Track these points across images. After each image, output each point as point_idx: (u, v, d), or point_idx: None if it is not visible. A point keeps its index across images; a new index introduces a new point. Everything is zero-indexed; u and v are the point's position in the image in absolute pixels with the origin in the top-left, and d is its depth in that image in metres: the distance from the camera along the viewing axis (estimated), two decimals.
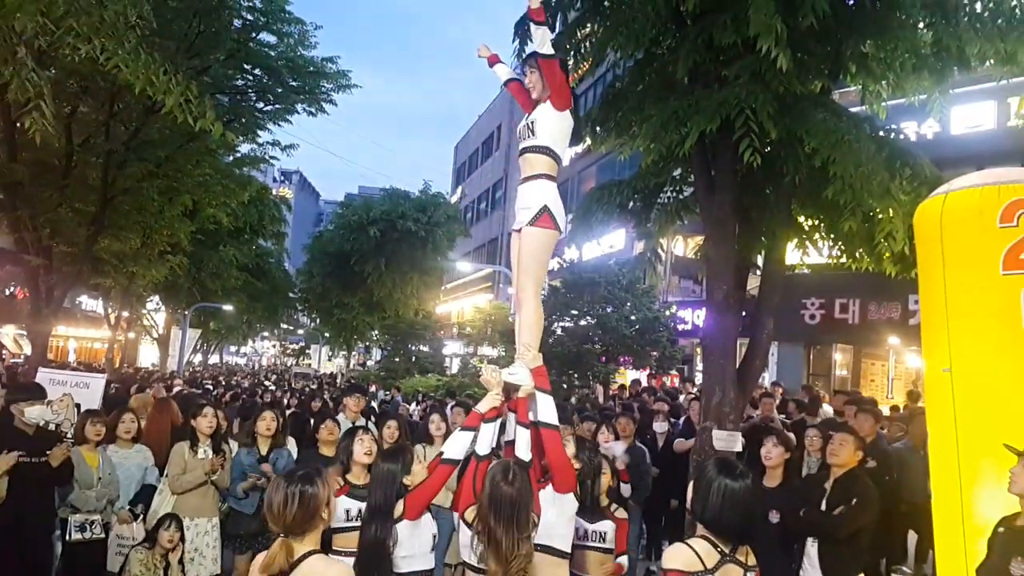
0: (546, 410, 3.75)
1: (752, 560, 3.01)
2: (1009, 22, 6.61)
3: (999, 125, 13.13)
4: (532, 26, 4.19)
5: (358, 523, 4.35)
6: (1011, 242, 4.29)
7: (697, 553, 2.90)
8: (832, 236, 8.03)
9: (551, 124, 4.11)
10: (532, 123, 4.16)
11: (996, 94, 12.75)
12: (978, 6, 6.48)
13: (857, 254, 7.98)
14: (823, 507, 5.05)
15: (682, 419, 9.61)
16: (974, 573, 4.04)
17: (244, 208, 24.49)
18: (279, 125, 16.56)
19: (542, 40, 4.11)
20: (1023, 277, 4.25)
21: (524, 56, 5.08)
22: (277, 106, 16.05)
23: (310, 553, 2.80)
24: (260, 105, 16.14)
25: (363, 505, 4.49)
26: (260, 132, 16.69)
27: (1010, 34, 6.57)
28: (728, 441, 7.64)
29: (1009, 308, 4.25)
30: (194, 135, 12.95)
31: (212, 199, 17.41)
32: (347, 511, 4.36)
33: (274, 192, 40.25)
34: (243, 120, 15.75)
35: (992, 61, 6.95)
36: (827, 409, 10.12)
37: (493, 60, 4.60)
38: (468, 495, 3.56)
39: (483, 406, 3.80)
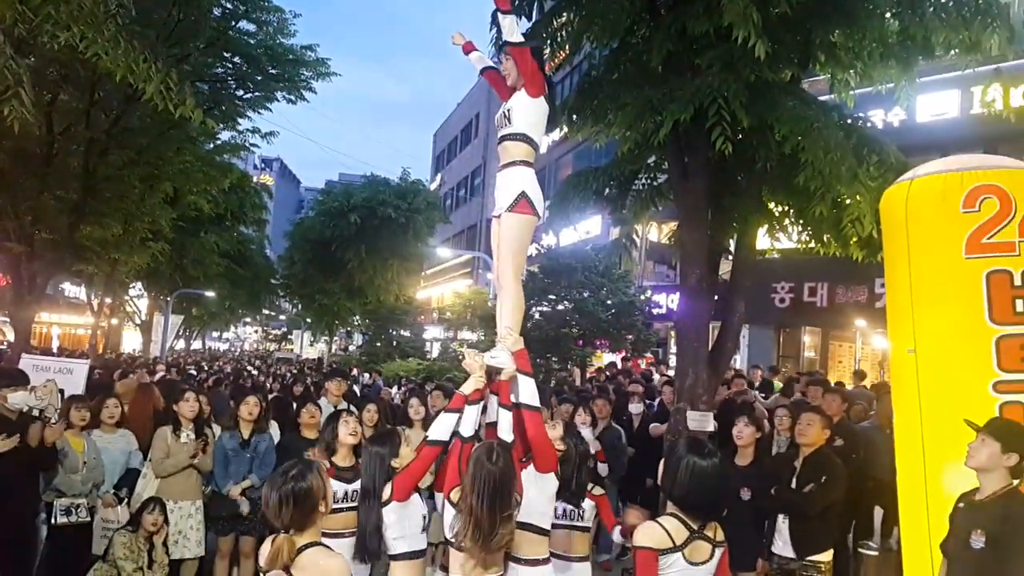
0: (527, 392, 3.76)
1: (720, 536, 3.05)
2: (973, 12, 6.67)
3: (962, 113, 13.26)
4: (499, 15, 4.17)
5: (344, 504, 4.35)
6: (973, 227, 4.35)
7: (667, 530, 2.94)
8: (801, 221, 8.11)
9: (527, 111, 4.09)
10: (508, 111, 4.14)
11: (960, 83, 12.87)
12: None
13: (825, 239, 8.06)
14: (793, 485, 5.12)
15: (656, 401, 9.67)
16: (937, 547, 4.12)
17: (225, 195, 24.25)
18: (259, 112, 16.40)
19: (510, 29, 4.09)
20: (985, 260, 4.32)
21: (499, 45, 5.05)
22: (257, 94, 15.88)
23: (309, 545, 2.79)
24: (240, 93, 15.95)
25: (349, 487, 4.49)
26: (240, 119, 16.51)
27: (973, 22, 6.63)
28: (701, 421, 7.71)
29: (971, 290, 4.31)
30: (175, 123, 12.78)
31: (193, 186, 17.24)
32: (333, 493, 4.34)
33: (255, 179, 39.83)
34: (223, 108, 15.56)
35: (957, 50, 7.02)
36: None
37: (468, 48, 4.56)
38: (453, 476, 3.57)
39: (467, 388, 3.80)
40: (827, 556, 4.97)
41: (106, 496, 6.08)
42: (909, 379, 4.48)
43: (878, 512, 8.18)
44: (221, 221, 28.37)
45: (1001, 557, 3.40)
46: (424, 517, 3.91)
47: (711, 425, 7.75)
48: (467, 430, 3.72)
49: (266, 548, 2.84)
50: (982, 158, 4.72)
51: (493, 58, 4.89)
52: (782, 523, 5.10)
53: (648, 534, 2.95)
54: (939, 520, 4.19)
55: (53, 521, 5.69)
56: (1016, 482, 3.59)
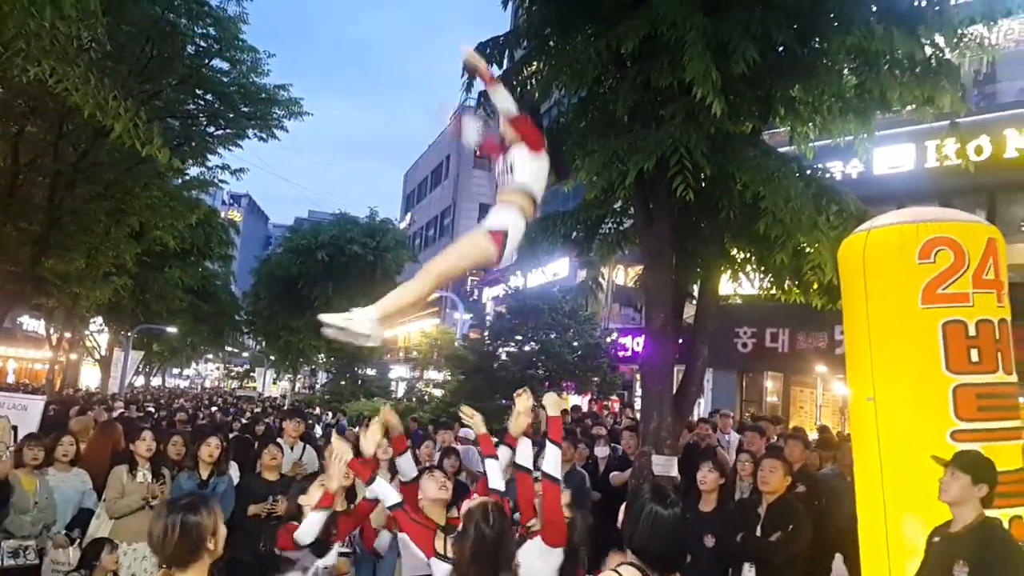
0: (552, 462, 3.73)
1: None
2: (925, 70, 6.91)
3: (918, 166, 13.64)
4: (489, 92, 4.06)
5: None
6: (929, 277, 4.46)
7: None
8: (763, 268, 8.24)
9: (528, 164, 4.03)
10: (511, 164, 4.08)
11: (915, 137, 13.27)
12: (899, 53, 6.76)
13: (786, 286, 8.19)
14: (759, 532, 5.10)
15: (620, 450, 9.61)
16: (896, 570, 4.17)
17: (191, 230, 24.00)
18: (229, 149, 16.34)
19: (504, 101, 3.96)
20: (940, 311, 4.41)
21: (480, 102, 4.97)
22: (228, 131, 15.83)
23: None
24: (211, 129, 15.90)
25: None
26: (210, 156, 16.42)
27: (926, 80, 6.88)
28: (666, 466, 7.70)
29: (928, 339, 4.40)
30: (143, 158, 12.68)
31: (159, 221, 17.02)
32: None
33: (223, 215, 39.50)
34: (193, 144, 15.48)
35: (913, 105, 7.26)
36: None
37: (456, 131, 4.45)
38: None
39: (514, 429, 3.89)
40: None
41: (57, 536, 5.87)
42: (868, 426, 4.53)
43: (838, 558, 8.18)
44: (186, 256, 28.01)
45: None
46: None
47: (675, 470, 7.75)
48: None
49: None
50: (937, 211, 4.86)
51: (467, 101, 4.90)
52: (748, 570, 5.08)
53: None
54: (900, 565, 4.23)
55: None
56: (987, 512, 3.66)
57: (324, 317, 3.37)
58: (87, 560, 5.62)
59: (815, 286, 7.63)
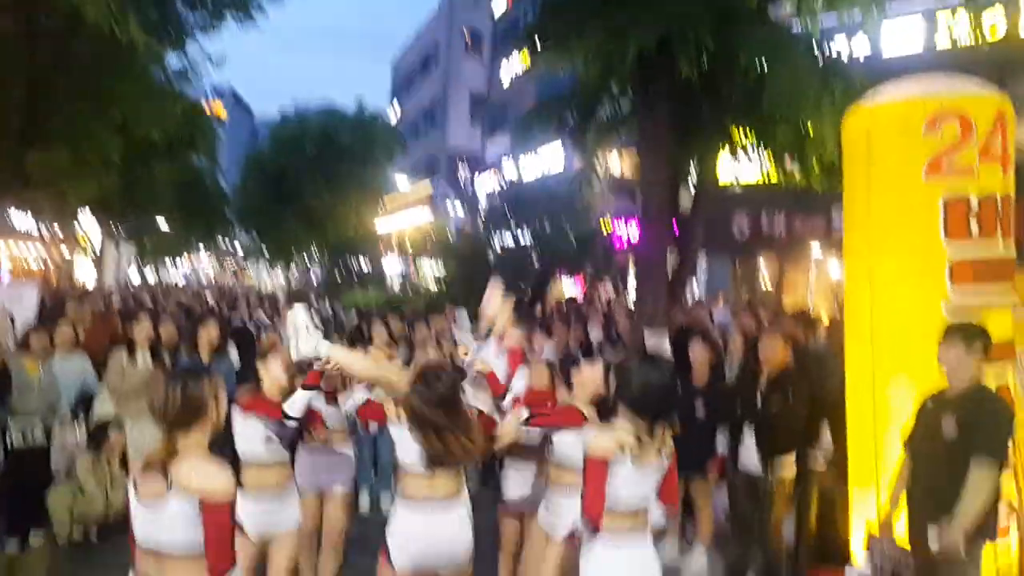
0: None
1: (669, 443, 3.08)
2: None
3: (927, 48, 13.22)
4: None
5: None
6: (934, 151, 4.37)
7: (616, 437, 2.97)
8: (764, 146, 8.12)
9: None
10: None
11: (927, 15, 12.83)
12: None
13: (787, 168, 8.10)
14: (758, 404, 5.22)
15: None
16: (881, 462, 4.34)
17: (176, 123, 23.48)
18: (207, 34, 15.76)
19: None
20: (943, 184, 4.36)
21: None
22: (204, 11, 15.22)
23: (193, 450, 2.56)
24: (187, 12, 15.30)
25: None
26: (188, 39, 15.86)
27: None
28: (658, 340, 7.81)
29: (928, 213, 4.37)
30: (121, 48, 12.24)
31: (142, 115, 16.59)
32: None
33: (207, 109, 38.53)
34: (170, 30, 14.92)
35: None
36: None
37: None
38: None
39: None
40: (791, 472, 5.15)
41: (63, 417, 6.00)
42: (862, 298, 4.56)
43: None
44: (172, 151, 27.52)
45: (969, 447, 3.56)
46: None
47: (666, 344, 7.87)
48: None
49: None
50: (946, 81, 4.72)
51: None
52: (749, 440, 5.25)
53: (599, 443, 2.98)
54: (884, 430, 4.37)
55: (9, 446, 5.58)
56: (981, 379, 3.76)
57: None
58: (95, 440, 5.78)
59: (815, 167, 7.55)
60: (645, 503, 3.08)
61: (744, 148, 8.33)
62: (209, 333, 6.30)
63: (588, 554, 3.01)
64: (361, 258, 34.30)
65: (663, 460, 3.07)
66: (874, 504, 4.43)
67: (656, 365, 3.12)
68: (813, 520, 5.27)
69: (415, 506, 3.36)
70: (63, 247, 28.87)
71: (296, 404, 3.89)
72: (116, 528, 3.84)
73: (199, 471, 2.49)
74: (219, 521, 2.44)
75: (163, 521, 2.44)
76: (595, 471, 2.93)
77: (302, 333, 3.65)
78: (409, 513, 3.36)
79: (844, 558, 4.61)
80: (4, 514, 5.44)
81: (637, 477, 2.98)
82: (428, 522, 3.33)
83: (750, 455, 5.24)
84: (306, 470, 4.48)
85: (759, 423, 5.22)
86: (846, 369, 4.76)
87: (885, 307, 4.45)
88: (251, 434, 3.95)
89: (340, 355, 3.71)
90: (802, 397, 5.13)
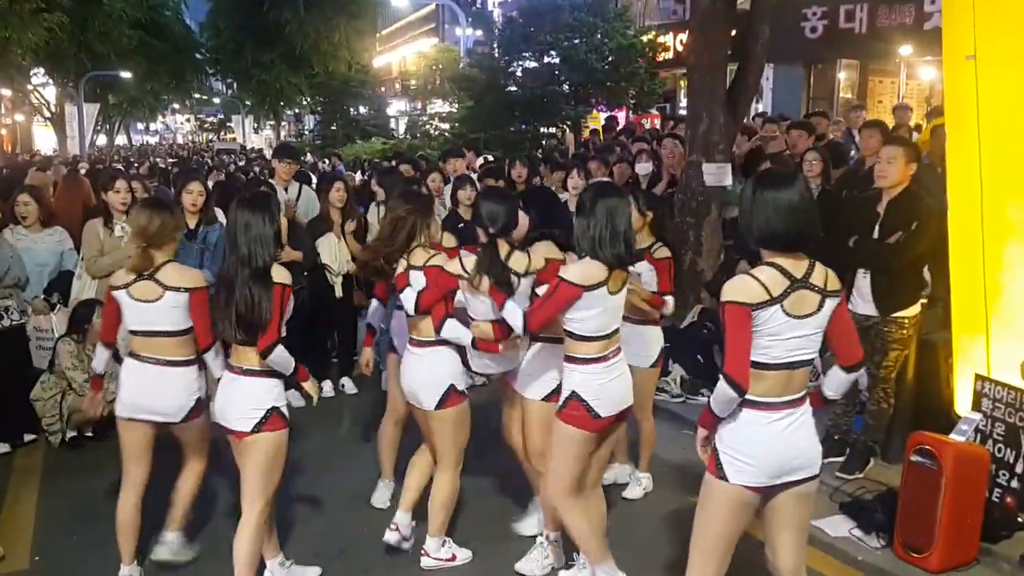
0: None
1: (834, 284, 2.97)
2: None
3: None
4: None
5: None
6: None
7: (761, 282, 2.87)
8: None
9: None
10: None
11: None
12: None
13: None
14: (875, 234, 4.94)
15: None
16: (990, 297, 4.31)
17: None
18: None
19: None
20: None
21: None
22: None
23: (168, 262, 3.88)
24: None
25: None
26: None
27: None
28: (718, 175, 7.69)
29: None
30: None
31: None
32: None
33: None
34: None
35: None
36: None
37: None
38: None
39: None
40: (913, 311, 4.93)
41: (35, 302, 6.11)
42: (967, 90, 4.39)
43: None
44: None
45: None
46: None
47: (729, 179, 7.73)
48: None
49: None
50: None
51: None
52: (862, 279, 4.99)
53: (737, 288, 2.89)
54: (995, 249, 4.33)
55: None
56: None
57: None
58: (78, 323, 5.92)
59: None
60: None
61: None
62: (192, 196, 6.29)
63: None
64: (360, 105, 33.88)
65: (826, 310, 2.95)
66: (984, 354, 4.44)
67: (780, 186, 2.93)
68: (911, 373, 5.08)
69: None
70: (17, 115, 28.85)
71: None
72: (113, 422, 4.02)
73: (182, 273, 3.90)
74: (202, 306, 3.81)
75: (158, 311, 3.83)
76: (735, 321, 2.88)
77: None
78: None
79: (944, 417, 4.59)
80: None
81: (794, 328, 2.94)
82: None
83: (862, 293, 5.00)
84: None
85: (875, 263, 4.93)
86: (949, 194, 4.61)
87: (995, 101, 4.27)
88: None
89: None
90: (929, 226, 4.75)
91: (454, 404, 4.04)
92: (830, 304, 2.92)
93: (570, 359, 3.64)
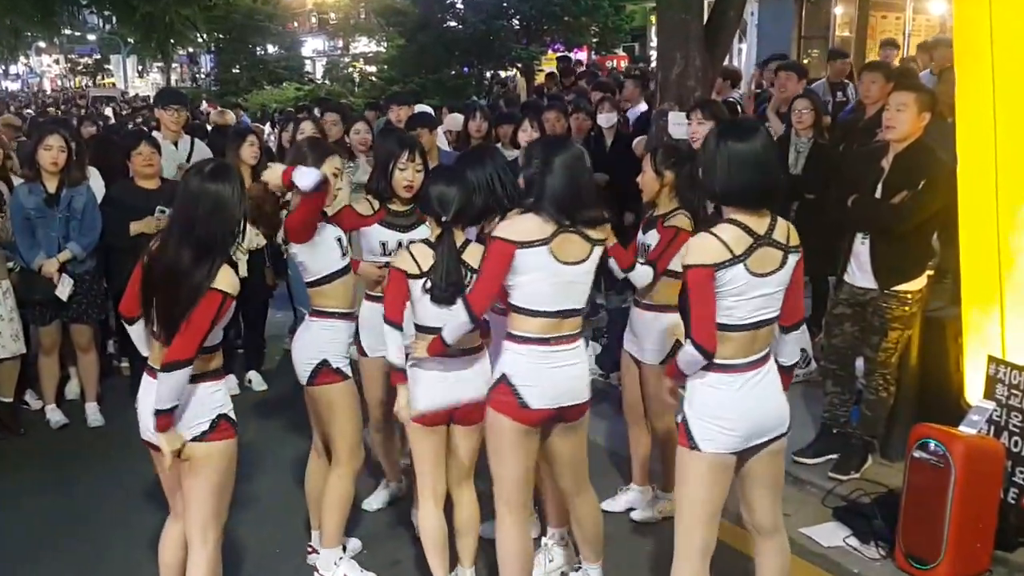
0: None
1: (795, 240, 3.29)
2: None
3: None
4: None
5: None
6: None
7: (722, 240, 3.16)
8: None
9: None
10: None
11: None
12: None
13: None
14: (878, 193, 4.98)
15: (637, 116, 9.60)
16: (1006, 251, 4.40)
17: None
18: None
19: None
20: None
21: None
22: None
23: None
24: None
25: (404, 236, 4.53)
26: None
27: None
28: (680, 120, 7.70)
29: None
30: None
31: None
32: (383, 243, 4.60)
33: None
34: None
35: None
36: None
37: None
38: None
39: None
40: (917, 284, 4.96)
41: None
42: (979, 27, 4.45)
43: None
44: None
45: None
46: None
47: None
48: None
49: None
50: None
51: None
52: (860, 244, 5.03)
53: (699, 248, 3.20)
54: (1009, 220, 4.41)
55: None
56: None
57: None
58: None
59: None
60: None
61: None
62: (51, 154, 6.17)
63: None
64: (268, 43, 33.56)
65: (788, 266, 3.31)
66: (998, 332, 4.52)
67: (743, 137, 3.24)
68: (915, 356, 5.16)
69: None
70: None
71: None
72: None
73: None
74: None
75: None
76: (698, 284, 3.20)
77: None
78: None
79: (952, 407, 4.67)
80: None
81: (756, 287, 3.27)
82: None
83: (860, 261, 5.06)
84: None
85: (877, 225, 4.96)
86: (958, 146, 4.67)
87: (1014, 50, 4.33)
88: None
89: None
90: (938, 185, 4.77)
91: (326, 382, 4.11)
92: (792, 260, 3.28)
93: (508, 336, 3.65)
